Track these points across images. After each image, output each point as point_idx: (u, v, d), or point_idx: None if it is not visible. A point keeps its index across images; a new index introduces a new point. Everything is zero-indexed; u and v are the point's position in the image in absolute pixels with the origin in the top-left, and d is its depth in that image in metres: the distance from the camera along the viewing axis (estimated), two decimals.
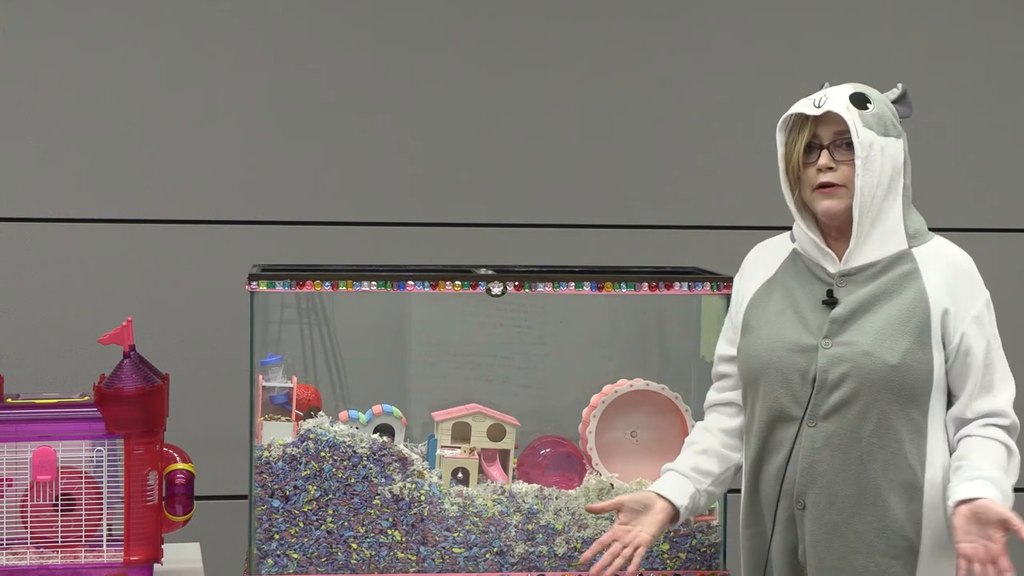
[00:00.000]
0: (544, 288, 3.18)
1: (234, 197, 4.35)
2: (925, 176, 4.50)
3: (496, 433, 3.25)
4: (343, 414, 3.24)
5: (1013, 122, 4.67)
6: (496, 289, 3.18)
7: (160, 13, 4.32)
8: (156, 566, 3.08)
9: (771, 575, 2.95)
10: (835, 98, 2.85)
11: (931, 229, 2.95)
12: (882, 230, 2.86)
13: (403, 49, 4.42)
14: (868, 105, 2.85)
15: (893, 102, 2.91)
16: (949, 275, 2.86)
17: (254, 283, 3.13)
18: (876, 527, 2.83)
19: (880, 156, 2.83)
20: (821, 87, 2.92)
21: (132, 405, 3.02)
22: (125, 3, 4.31)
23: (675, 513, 2.97)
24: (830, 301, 2.87)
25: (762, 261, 3.02)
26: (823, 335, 2.86)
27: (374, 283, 3.15)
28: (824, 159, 2.85)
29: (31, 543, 3.03)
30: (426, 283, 3.15)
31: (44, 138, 4.29)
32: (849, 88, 2.88)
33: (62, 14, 4.28)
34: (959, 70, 4.64)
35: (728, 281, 3.19)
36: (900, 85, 2.94)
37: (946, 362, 2.85)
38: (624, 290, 3.20)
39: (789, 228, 2.99)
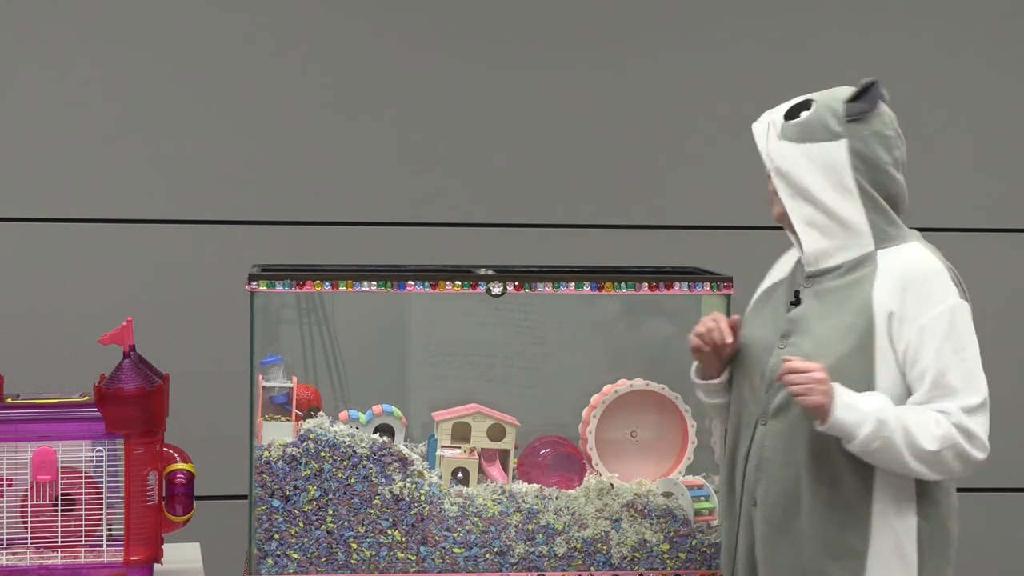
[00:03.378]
0: (544, 288, 3.18)
1: (234, 197, 4.35)
2: (925, 176, 4.51)
3: (496, 433, 3.25)
4: (343, 414, 3.24)
5: (1013, 122, 4.67)
6: (496, 289, 3.18)
7: (159, 13, 4.32)
8: (156, 566, 3.08)
9: (736, 571, 2.95)
10: (765, 116, 2.89)
11: (930, 229, 2.93)
12: (845, 232, 2.81)
13: (403, 49, 4.42)
14: (801, 114, 2.84)
15: (851, 99, 2.83)
16: (901, 282, 2.76)
17: (254, 283, 3.13)
18: (821, 529, 2.79)
19: (803, 162, 2.80)
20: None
21: (132, 405, 3.02)
22: (125, 3, 4.31)
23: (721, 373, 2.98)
24: (795, 302, 2.87)
25: (780, 265, 3.03)
26: (780, 335, 2.86)
27: (374, 283, 3.15)
28: (770, 187, 2.90)
29: (31, 543, 3.03)
30: (426, 283, 3.15)
31: (44, 138, 4.29)
32: (797, 100, 2.87)
33: (61, 13, 4.28)
34: (959, 70, 4.64)
35: (728, 281, 3.20)
36: (864, 80, 2.84)
37: (901, 366, 2.78)
38: (624, 290, 3.20)
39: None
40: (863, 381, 2.75)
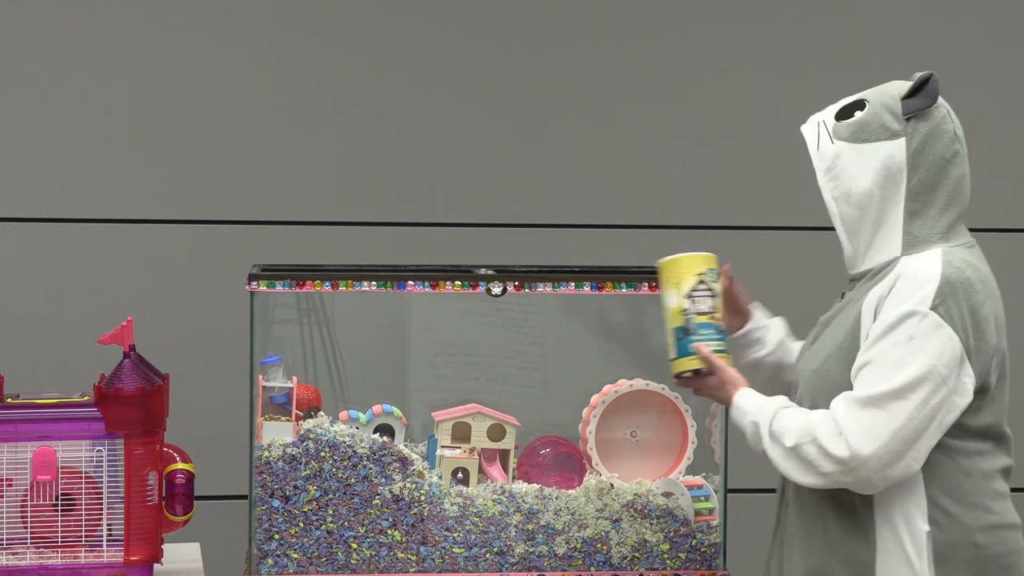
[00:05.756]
0: (544, 288, 3.18)
1: (234, 197, 4.35)
2: None
3: (496, 433, 3.25)
4: (343, 414, 3.24)
5: (1013, 121, 4.67)
6: (496, 289, 3.18)
7: (158, 13, 4.32)
8: (156, 566, 3.09)
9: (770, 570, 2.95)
10: (814, 118, 2.80)
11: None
12: (882, 236, 2.72)
13: (403, 49, 4.42)
14: (856, 113, 2.74)
15: (907, 96, 2.74)
16: (895, 283, 2.67)
17: (254, 283, 3.13)
18: (832, 535, 2.73)
19: (856, 162, 2.70)
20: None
21: (132, 405, 3.02)
22: (125, 3, 4.31)
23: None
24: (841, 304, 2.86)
25: None
26: (812, 337, 2.89)
27: (374, 283, 3.15)
28: None
29: (31, 543, 3.03)
30: (426, 283, 3.15)
31: (44, 138, 4.29)
32: (848, 99, 2.79)
33: (61, 13, 4.28)
34: (959, 69, 4.63)
35: None
36: (918, 75, 2.75)
37: None
38: (624, 290, 3.20)
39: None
40: (840, 386, 2.68)
